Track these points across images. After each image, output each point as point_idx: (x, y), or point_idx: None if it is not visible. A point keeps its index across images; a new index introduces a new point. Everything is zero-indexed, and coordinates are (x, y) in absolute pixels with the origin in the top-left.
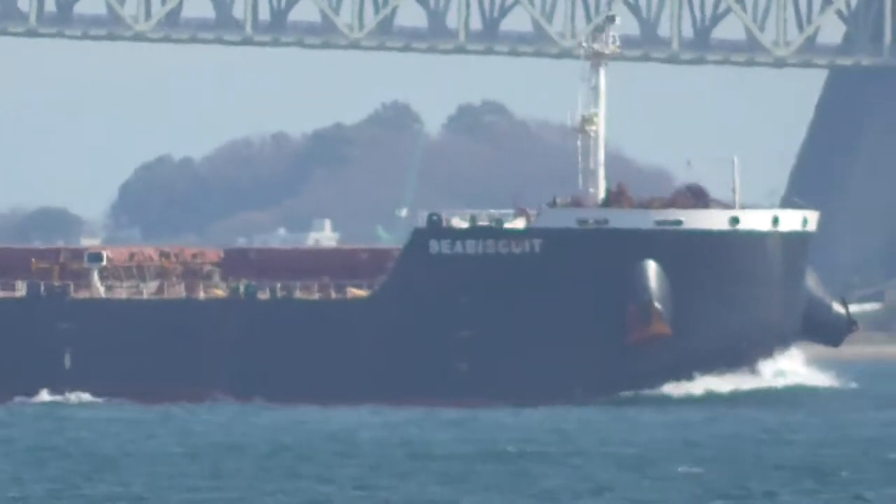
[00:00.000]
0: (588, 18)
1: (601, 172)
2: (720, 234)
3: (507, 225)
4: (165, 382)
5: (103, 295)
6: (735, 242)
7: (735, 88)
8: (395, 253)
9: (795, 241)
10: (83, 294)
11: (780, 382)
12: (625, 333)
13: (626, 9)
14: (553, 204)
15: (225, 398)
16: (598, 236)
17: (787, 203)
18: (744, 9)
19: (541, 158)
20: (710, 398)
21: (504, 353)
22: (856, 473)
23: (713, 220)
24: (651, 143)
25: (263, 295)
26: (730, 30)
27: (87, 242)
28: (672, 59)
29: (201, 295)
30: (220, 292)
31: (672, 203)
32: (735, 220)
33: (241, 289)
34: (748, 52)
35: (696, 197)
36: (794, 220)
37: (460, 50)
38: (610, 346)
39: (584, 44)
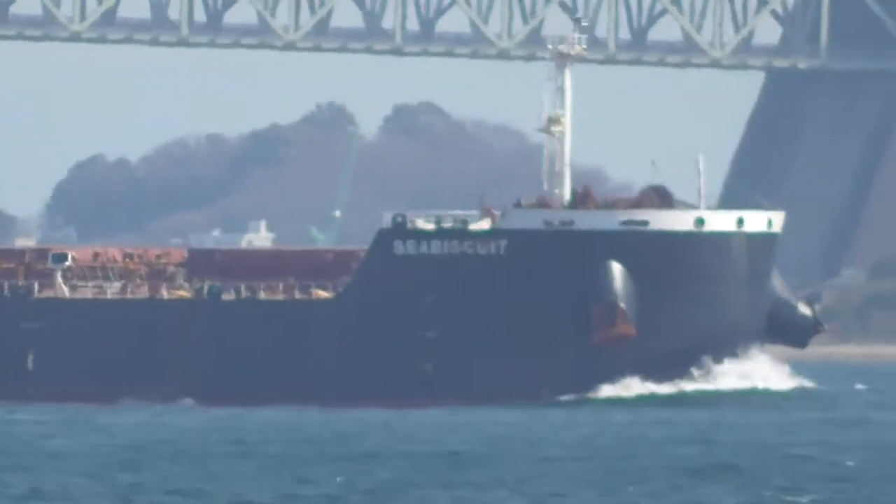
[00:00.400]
0: (525, 20)
1: (567, 173)
2: (686, 235)
3: (472, 226)
4: (129, 383)
5: (67, 295)
6: (700, 243)
7: (671, 89)
8: (360, 254)
9: (760, 242)
10: (47, 294)
11: (731, 384)
12: (590, 334)
13: (561, 10)
14: (518, 205)
15: (190, 399)
16: (564, 237)
17: (723, 204)
18: (680, 10)
19: (478, 159)
20: (655, 400)
21: (469, 354)
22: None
23: (679, 221)
24: (587, 142)
25: (228, 296)
26: (666, 31)
27: (21, 242)
28: (609, 60)
29: (165, 295)
30: (184, 293)
31: (637, 204)
32: (700, 221)
33: (206, 289)
34: (685, 53)
35: (661, 198)
36: (759, 221)
37: (397, 51)
38: (575, 347)
39: (550, 45)
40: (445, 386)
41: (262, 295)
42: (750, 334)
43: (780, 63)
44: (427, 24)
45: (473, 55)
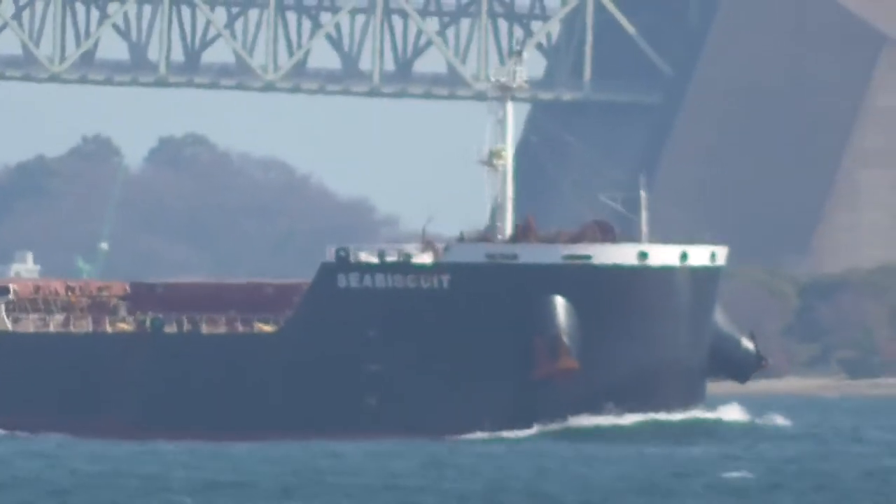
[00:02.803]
0: (290, 52)
1: (509, 206)
2: (629, 269)
3: (414, 259)
4: (71, 416)
5: (10, 328)
6: (644, 277)
7: (437, 121)
8: (302, 287)
9: (704, 276)
10: None
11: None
12: (532, 368)
13: (328, 41)
14: (461, 239)
15: (130, 432)
16: (507, 271)
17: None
18: (445, 42)
19: (241, 191)
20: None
21: (413, 388)
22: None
23: (622, 254)
24: (351, 175)
25: (170, 329)
26: (431, 63)
27: None
28: (373, 92)
29: (108, 329)
30: (126, 326)
31: (580, 238)
32: (644, 255)
33: (148, 322)
34: (450, 85)
35: (604, 232)
36: (702, 255)
37: (161, 82)
38: (518, 381)
39: (492, 78)
40: (388, 420)
41: (205, 328)
42: (693, 369)
43: (545, 95)
44: (192, 56)
45: (239, 86)
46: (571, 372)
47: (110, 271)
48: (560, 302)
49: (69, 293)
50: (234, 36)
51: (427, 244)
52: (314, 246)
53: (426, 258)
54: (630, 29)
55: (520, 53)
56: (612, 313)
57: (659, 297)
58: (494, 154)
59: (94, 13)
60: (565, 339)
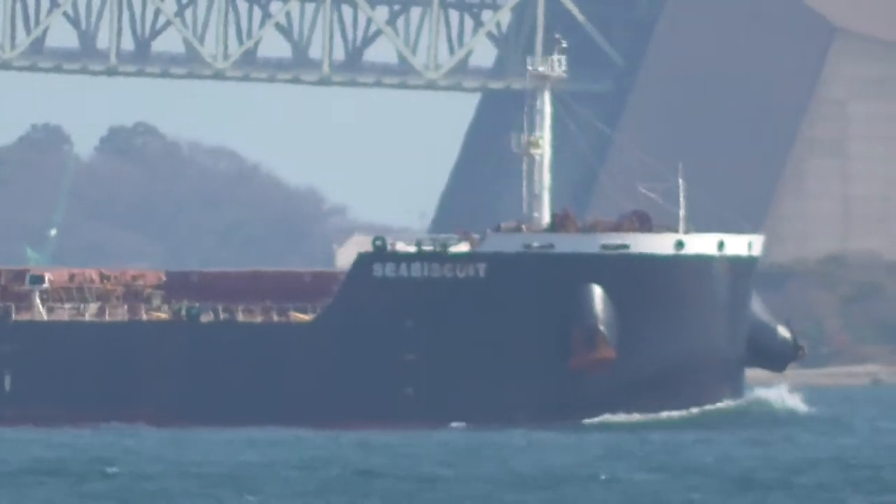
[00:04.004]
0: (240, 41)
1: (546, 196)
2: (666, 259)
3: (451, 249)
4: (107, 405)
5: (45, 317)
6: (681, 267)
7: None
8: (339, 276)
9: (741, 266)
10: (24, 316)
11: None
12: (569, 358)
13: (278, 31)
14: (498, 228)
15: (167, 421)
16: (544, 261)
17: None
18: (395, 32)
19: (191, 180)
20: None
21: (449, 377)
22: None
23: (659, 244)
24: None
25: (206, 317)
26: (382, 53)
27: None
28: (323, 81)
29: (144, 317)
30: (162, 315)
31: (617, 227)
32: (680, 245)
33: (184, 311)
34: (400, 74)
35: (642, 221)
36: (739, 245)
37: (111, 71)
38: (554, 371)
39: (530, 67)
40: (425, 409)
41: (241, 317)
42: (731, 358)
43: (496, 84)
44: (143, 45)
45: (189, 75)
46: (608, 362)
47: (59, 260)
48: (597, 291)
49: (104, 282)
50: (184, 24)
51: (464, 234)
52: (264, 234)
53: (462, 247)
54: (580, 17)
55: (560, 42)
56: (650, 303)
57: (696, 287)
58: (532, 143)
59: (45, 1)
60: (602, 328)
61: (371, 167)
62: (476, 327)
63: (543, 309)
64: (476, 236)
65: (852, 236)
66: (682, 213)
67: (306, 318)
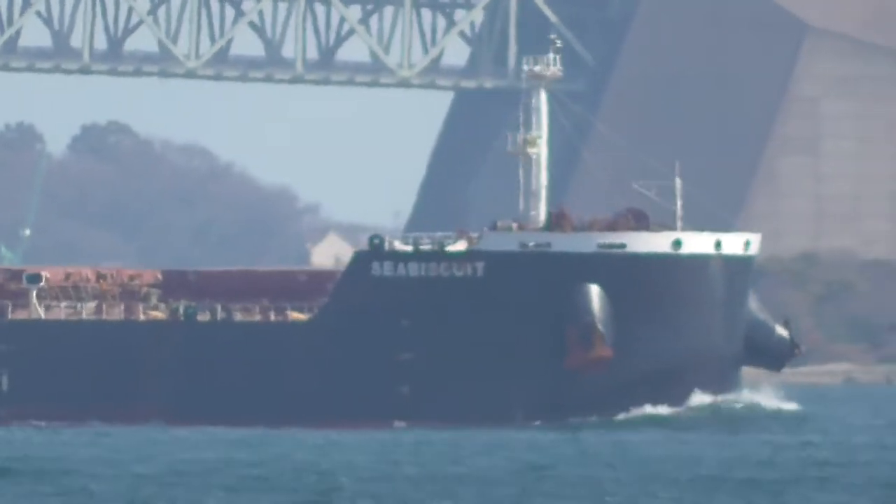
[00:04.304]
0: (212, 39)
1: (543, 195)
2: (663, 258)
3: (448, 248)
4: (104, 405)
5: (42, 316)
6: (678, 265)
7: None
8: (335, 275)
9: (738, 264)
10: (21, 315)
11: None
12: (566, 357)
13: (251, 29)
14: (494, 227)
15: (163, 420)
16: (541, 259)
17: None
18: (368, 31)
19: (164, 178)
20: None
21: (445, 376)
22: None
23: (656, 242)
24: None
25: (203, 316)
26: (355, 51)
27: None
28: (296, 80)
29: (141, 316)
30: (159, 314)
31: (613, 226)
32: (678, 244)
33: (181, 310)
34: (373, 73)
35: (638, 220)
36: (736, 243)
37: (84, 69)
38: (551, 370)
39: (526, 66)
40: (421, 408)
41: (238, 316)
42: (728, 357)
43: (468, 83)
44: (115, 44)
45: (161, 74)
46: (605, 361)
47: (31, 259)
48: (594, 290)
49: (100, 280)
50: (156, 23)
51: (461, 232)
52: (237, 233)
53: (459, 246)
54: (553, 18)
55: (555, 43)
56: (647, 301)
57: (693, 285)
58: (529, 142)
59: (18, 0)
60: (599, 327)
61: (344, 166)
62: (473, 326)
63: (540, 308)
64: (473, 235)
65: (824, 235)
66: (678, 211)
67: (303, 317)
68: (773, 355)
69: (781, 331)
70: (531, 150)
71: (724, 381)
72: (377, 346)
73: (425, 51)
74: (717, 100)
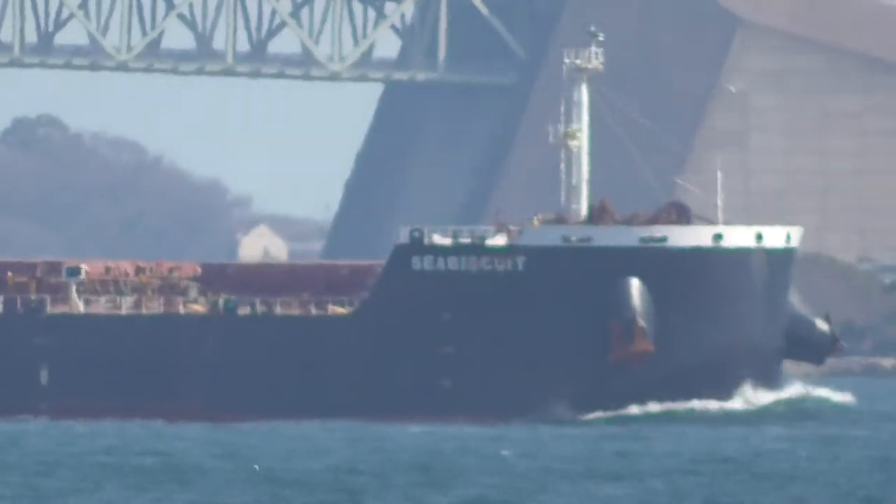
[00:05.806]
0: (143, 32)
1: (584, 188)
2: (704, 251)
3: (488, 242)
4: (144, 399)
5: (82, 310)
6: (719, 259)
7: (291, 102)
8: (376, 269)
9: (779, 258)
10: (60, 309)
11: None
12: (608, 351)
13: (181, 22)
14: (531, 220)
15: (203, 414)
16: (582, 253)
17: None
18: (299, 23)
19: (94, 172)
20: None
21: (487, 370)
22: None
23: (697, 236)
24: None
25: (243, 310)
26: (286, 44)
27: None
28: (227, 73)
29: (181, 310)
30: (199, 307)
31: (655, 220)
32: (719, 237)
33: (221, 304)
34: (304, 66)
35: (679, 213)
36: (777, 237)
37: (16, 63)
38: (593, 364)
39: (567, 60)
40: (462, 402)
41: (278, 310)
42: (769, 351)
43: (399, 76)
44: (46, 37)
45: (92, 67)
46: (647, 355)
47: None
48: (636, 284)
49: (139, 274)
50: (87, 16)
51: (501, 226)
52: (166, 226)
53: (499, 240)
54: (483, 10)
55: (596, 35)
56: (688, 295)
57: (734, 279)
58: (569, 135)
59: None
60: (641, 321)
61: (275, 158)
62: (514, 320)
63: (581, 302)
64: (514, 229)
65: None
66: (719, 203)
67: (344, 310)
68: (814, 349)
69: (822, 325)
70: (572, 143)
71: (767, 375)
72: (418, 339)
73: (356, 43)
74: (648, 92)
